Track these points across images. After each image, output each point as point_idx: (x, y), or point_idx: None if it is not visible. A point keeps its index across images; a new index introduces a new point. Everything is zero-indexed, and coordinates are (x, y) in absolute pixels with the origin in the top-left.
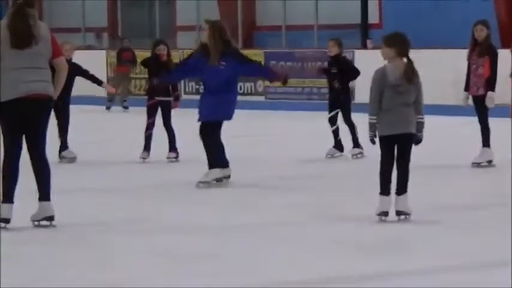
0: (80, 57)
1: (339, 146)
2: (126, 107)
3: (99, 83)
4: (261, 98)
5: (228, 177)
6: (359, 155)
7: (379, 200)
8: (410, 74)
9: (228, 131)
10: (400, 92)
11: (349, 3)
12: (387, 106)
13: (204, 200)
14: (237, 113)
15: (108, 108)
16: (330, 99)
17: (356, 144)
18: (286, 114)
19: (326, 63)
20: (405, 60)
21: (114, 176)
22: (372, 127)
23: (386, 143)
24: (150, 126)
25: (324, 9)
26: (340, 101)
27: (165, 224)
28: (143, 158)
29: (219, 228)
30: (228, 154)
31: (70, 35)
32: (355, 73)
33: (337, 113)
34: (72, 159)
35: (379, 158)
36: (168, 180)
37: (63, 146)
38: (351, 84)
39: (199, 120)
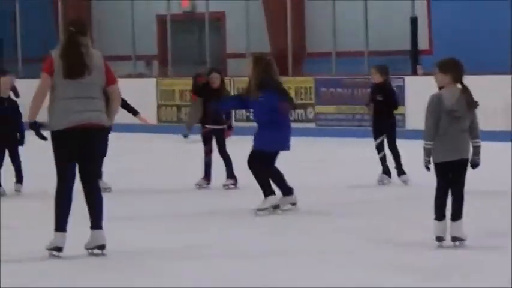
0: (131, 85)
1: (387, 172)
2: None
3: (134, 112)
4: (312, 125)
5: (293, 204)
6: (408, 182)
7: (434, 225)
8: (470, 100)
9: (279, 158)
10: (457, 118)
11: (399, 29)
12: (443, 132)
13: (253, 225)
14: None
15: (185, 136)
16: (374, 126)
17: (402, 171)
18: (336, 141)
19: (369, 90)
20: (460, 86)
21: (171, 202)
22: (428, 153)
23: (442, 169)
24: (207, 154)
25: (374, 36)
26: (385, 128)
27: (217, 250)
28: (199, 185)
29: (268, 253)
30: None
31: (120, 63)
32: (395, 105)
33: (383, 140)
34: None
35: (426, 184)
36: (223, 206)
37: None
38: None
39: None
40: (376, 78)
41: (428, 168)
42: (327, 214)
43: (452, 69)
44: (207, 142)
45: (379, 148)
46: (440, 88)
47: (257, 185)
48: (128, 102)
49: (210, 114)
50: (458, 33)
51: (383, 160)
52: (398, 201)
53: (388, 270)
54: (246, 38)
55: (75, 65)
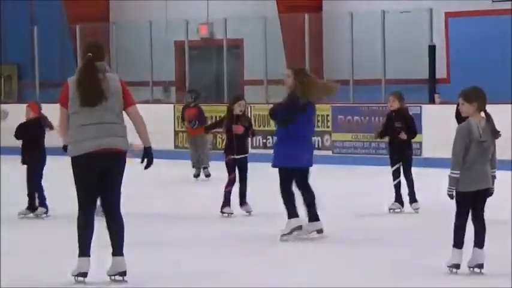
0: (148, 111)
1: (400, 200)
2: (207, 175)
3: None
4: (328, 153)
5: (320, 231)
6: (418, 210)
7: (452, 252)
8: (493, 129)
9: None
10: (485, 148)
11: (416, 58)
12: (471, 162)
13: (262, 252)
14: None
15: (196, 176)
16: (391, 152)
17: (414, 198)
18: (352, 169)
19: (384, 119)
20: (483, 115)
21: (189, 228)
22: (453, 182)
23: (466, 198)
24: (230, 183)
25: (392, 64)
26: (402, 155)
27: (235, 278)
28: (229, 213)
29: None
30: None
31: (138, 89)
32: (414, 132)
33: (399, 167)
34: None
35: (436, 212)
36: (242, 233)
37: None
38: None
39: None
40: (395, 105)
41: (452, 197)
42: (341, 242)
43: (477, 98)
44: (231, 171)
45: (395, 175)
46: (464, 118)
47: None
48: None
49: (236, 143)
50: (475, 62)
51: (397, 187)
52: (412, 229)
53: None
54: (264, 65)
55: (91, 93)
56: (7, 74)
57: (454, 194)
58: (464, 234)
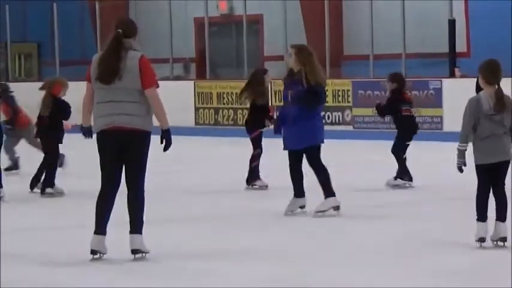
0: (168, 88)
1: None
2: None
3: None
4: (349, 128)
5: (336, 208)
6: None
7: (477, 226)
8: (501, 102)
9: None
10: (496, 121)
11: (436, 32)
12: (484, 135)
13: (293, 228)
14: (325, 142)
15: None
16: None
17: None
18: (373, 143)
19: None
20: (496, 87)
21: (209, 204)
22: (461, 154)
23: (483, 171)
24: (258, 157)
25: (412, 38)
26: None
27: (255, 252)
28: (263, 186)
29: (304, 255)
30: (314, 182)
31: (158, 66)
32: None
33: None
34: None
35: (456, 186)
36: (260, 207)
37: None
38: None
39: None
40: (389, 87)
41: (461, 170)
42: (365, 216)
43: (488, 71)
44: (259, 145)
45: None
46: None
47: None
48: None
49: (261, 116)
50: (496, 35)
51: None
52: (437, 202)
53: (430, 273)
54: (284, 41)
55: (106, 71)
56: (27, 53)
57: (463, 166)
58: (486, 208)
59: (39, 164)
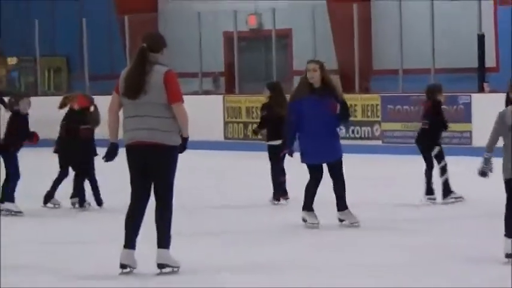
0: (197, 102)
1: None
2: None
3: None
4: (378, 142)
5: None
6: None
7: (505, 242)
8: None
9: (348, 175)
10: None
11: (466, 47)
12: (507, 148)
13: (313, 241)
14: (354, 157)
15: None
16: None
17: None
18: (402, 158)
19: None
20: None
21: (238, 218)
22: (486, 162)
23: (508, 185)
24: (284, 173)
25: (441, 53)
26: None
27: (283, 264)
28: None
29: (332, 267)
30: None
31: (187, 80)
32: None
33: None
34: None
35: (485, 202)
36: (288, 221)
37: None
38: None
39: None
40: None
41: (483, 174)
42: (391, 230)
43: None
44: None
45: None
46: None
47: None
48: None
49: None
50: None
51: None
52: (462, 219)
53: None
54: (313, 55)
55: (132, 85)
56: (57, 67)
57: (488, 172)
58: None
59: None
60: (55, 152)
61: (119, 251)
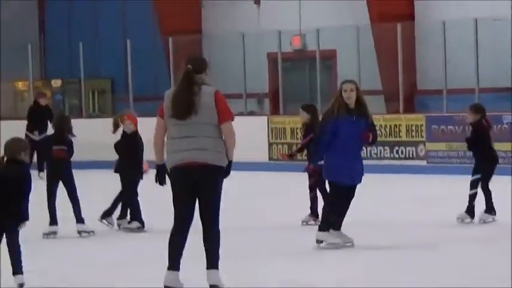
0: (242, 123)
1: (471, 211)
2: None
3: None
4: (423, 162)
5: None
6: (489, 220)
7: None
8: None
9: (388, 195)
10: None
11: (509, 66)
12: None
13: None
14: (399, 177)
15: None
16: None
17: (489, 210)
18: (447, 178)
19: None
20: None
21: (281, 239)
22: None
23: None
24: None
25: (485, 73)
26: (481, 167)
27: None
28: (305, 222)
29: None
30: (386, 217)
31: (231, 101)
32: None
33: (478, 178)
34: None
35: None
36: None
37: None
38: None
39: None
40: (471, 118)
41: None
42: (433, 249)
43: None
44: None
45: (473, 185)
46: None
47: None
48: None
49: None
50: None
51: (472, 198)
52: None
53: None
54: (357, 76)
55: (181, 107)
56: (101, 89)
57: None
58: None
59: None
60: (116, 171)
61: (161, 273)
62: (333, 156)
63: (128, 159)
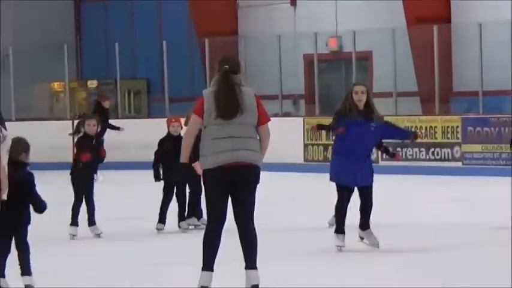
0: (278, 124)
1: None
2: None
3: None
4: (458, 164)
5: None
6: None
7: None
8: None
9: (424, 196)
10: None
11: None
12: None
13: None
14: (434, 178)
15: None
16: None
17: None
18: (483, 180)
19: None
20: None
21: (314, 240)
22: None
23: None
24: None
25: None
26: None
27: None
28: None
29: None
30: (424, 218)
31: (267, 102)
32: None
33: None
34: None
35: None
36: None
37: None
38: None
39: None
40: None
41: None
42: (467, 253)
43: None
44: None
45: None
46: None
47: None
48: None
49: None
50: None
51: None
52: None
53: None
54: (393, 77)
55: (229, 106)
56: (137, 89)
57: None
58: None
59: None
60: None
61: (193, 273)
62: (339, 158)
63: (177, 159)
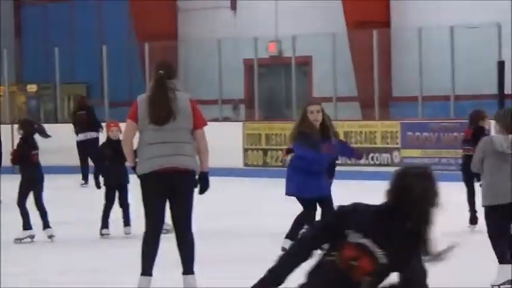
0: (217, 129)
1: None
2: None
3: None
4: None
5: None
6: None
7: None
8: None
9: (366, 201)
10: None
11: (485, 73)
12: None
13: None
14: (374, 184)
15: None
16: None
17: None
18: None
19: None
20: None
21: (255, 246)
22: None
23: (490, 213)
24: None
25: (461, 80)
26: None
27: None
28: None
29: None
30: None
31: (207, 107)
32: None
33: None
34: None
35: None
36: None
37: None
38: None
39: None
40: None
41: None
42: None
43: (503, 119)
44: None
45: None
46: None
47: None
48: None
49: None
50: None
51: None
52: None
53: None
54: (333, 82)
55: (161, 112)
56: (76, 94)
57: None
58: (502, 249)
59: None
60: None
61: (133, 278)
62: (296, 173)
63: (117, 164)
